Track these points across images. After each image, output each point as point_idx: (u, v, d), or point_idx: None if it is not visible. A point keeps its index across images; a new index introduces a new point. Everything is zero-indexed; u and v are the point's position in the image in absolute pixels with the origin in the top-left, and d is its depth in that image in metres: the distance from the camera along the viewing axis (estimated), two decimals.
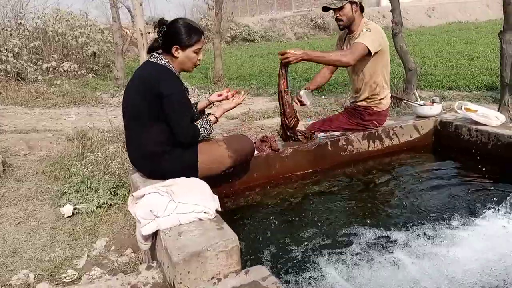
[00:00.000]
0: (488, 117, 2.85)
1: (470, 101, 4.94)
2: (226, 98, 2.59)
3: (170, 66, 2.19)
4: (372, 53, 2.77)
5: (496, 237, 1.99)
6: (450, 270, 1.78)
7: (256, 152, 2.64)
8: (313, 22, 21.01)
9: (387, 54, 2.94)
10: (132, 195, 1.87)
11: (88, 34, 11.16)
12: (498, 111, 4.47)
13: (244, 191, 2.64)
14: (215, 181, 2.47)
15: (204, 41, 2.29)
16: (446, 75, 8.00)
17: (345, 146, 2.96)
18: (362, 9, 2.93)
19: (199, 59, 2.26)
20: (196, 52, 2.21)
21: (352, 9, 2.86)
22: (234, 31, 18.94)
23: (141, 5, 5.26)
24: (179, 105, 2.13)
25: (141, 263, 2.26)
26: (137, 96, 2.16)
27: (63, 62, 10.02)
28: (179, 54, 2.17)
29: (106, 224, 2.95)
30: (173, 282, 1.60)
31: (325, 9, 2.94)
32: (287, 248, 2.05)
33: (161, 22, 2.21)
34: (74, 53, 10.87)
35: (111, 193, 3.22)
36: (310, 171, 2.87)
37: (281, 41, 19.38)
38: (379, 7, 22.16)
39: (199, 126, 2.24)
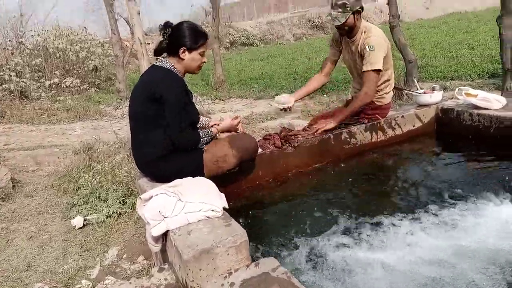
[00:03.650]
0: (489, 100, 2.85)
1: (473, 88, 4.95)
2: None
3: (175, 69, 2.25)
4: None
5: (505, 222, 1.99)
6: (461, 254, 1.78)
7: (260, 150, 2.67)
8: (310, 22, 21.07)
9: (390, 53, 2.95)
10: (140, 197, 1.89)
11: (89, 49, 11.27)
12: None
13: (250, 189, 2.66)
14: (221, 181, 2.49)
15: (209, 44, 2.36)
16: (447, 66, 7.98)
17: (348, 139, 2.97)
18: (362, 9, 2.88)
19: (204, 62, 2.33)
20: (201, 54, 2.28)
21: (354, 18, 2.83)
22: (233, 36, 19.03)
23: (139, 14, 5.31)
24: (177, 107, 2.16)
25: (153, 267, 2.28)
26: (141, 100, 2.20)
27: (65, 78, 10.12)
28: (186, 56, 2.23)
29: (116, 233, 2.98)
30: (186, 281, 1.62)
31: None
32: (297, 242, 2.06)
33: (166, 25, 2.26)
34: (76, 68, 10.96)
35: (120, 202, 3.24)
36: (315, 166, 2.88)
37: (280, 43, 19.44)
38: (376, 2, 22.16)
39: (201, 133, 2.31)
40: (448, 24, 15.98)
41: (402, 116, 3.14)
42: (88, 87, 10.38)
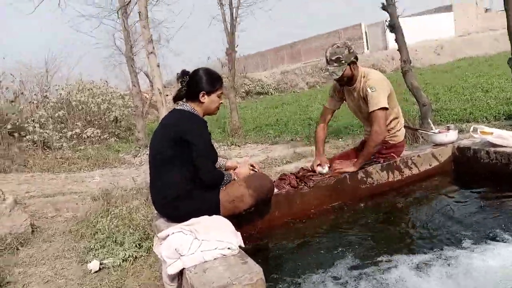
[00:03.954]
0: (504, 138, 2.83)
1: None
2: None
3: (195, 112, 2.36)
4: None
5: None
6: None
7: (276, 190, 2.68)
8: (323, 70, 21.56)
9: (393, 91, 2.97)
10: (157, 236, 1.91)
11: (110, 100, 11.72)
12: None
13: (267, 230, 2.64)
14: (238, 221, 2.50)
15: (224, 87, 2.50)
16: (462, 108, 7.97)
17: (364, 178, 2.96)
18: (356, 59, 2.92)
19: (221, 102, 2.46)
20: (219, 96, 2.42)
21: (351, 68, 2.88)
22: (248, 86, 19.57)
23: (158, 66, 5.57)
24: (205, 148, 2.26)
25: None
26: (162, 140, 2.29)
27: (86, 129, 10.46)
28: (205, 99, 2.36)
29: (132, 277, 2.95)
30: None
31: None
32: (313, 281, 2.01)
33: (183, 73, 2.41)
34: (97, 119, 11.35)
35: (136, 245, 3.24)
36: (331, 205, 2.86)
37: (294, 91, 19.85)
38: (387, 50, 22.68)
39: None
40: (460, 69, 16.13)
41: (419, 156, 3.13)
42: (108, 137, 10.68)
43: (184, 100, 2.40)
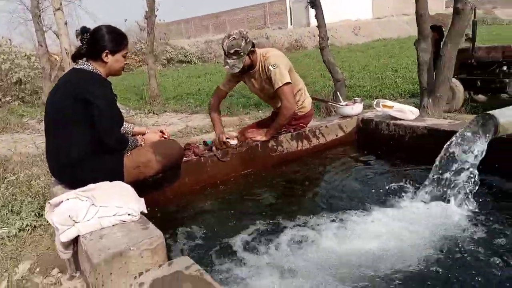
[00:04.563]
0: (404, 111, 3.06)
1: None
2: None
3: (98, 71, 2.19)
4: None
5: (411, 217, 2.13)
6: (370, 247, 1.88)
7: (193, 157, 2.66)
8: (223, 63, 21.48)
9: (292, 66, 3.00)
10: (49, 202, 1.77)
11: (13, 61, 10.58)
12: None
13: (176, 196, 2.60)
14: (145, 188, 2.42)
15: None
16: (373, 86, 8.49)
17: (275, 147, 3.03)
18: (253, 46, 2.87)
19: (126, 63, 2.33)
20: (124, 56, 2.27)
21: (250, 57, 2.84)
22: (170, 54, 18.87)
23: (66, 24, 5.12)
24: (108, 110, 2.11)
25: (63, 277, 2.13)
26: (62, 100, 2.10)
27: None
28: (109, 59, 2.19)
29: (30, 247, 2.75)
30: (95, 287, 1.53)
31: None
32: (220, 245, 2.04)
33: (83, 30, 2.21)
34: None
35: (35, 214, 3.01)
36: (242, 173, 2.90)
37: (218, 62, 19.57)
38: (309, 27, 23.18)
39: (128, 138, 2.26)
40: (375, 49, 17.09)
41: (326, 126, 3.27)
42: (11, 100, 9.70)
43: (85, 59, 2.21)
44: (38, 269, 2.53)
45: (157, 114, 8.02)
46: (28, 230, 2.89)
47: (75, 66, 2.21)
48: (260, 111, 7.15)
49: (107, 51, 2.16)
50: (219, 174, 2.80)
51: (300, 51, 20.60)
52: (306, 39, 21.99)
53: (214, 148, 2.87)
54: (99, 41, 2.16)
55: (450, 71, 4.74)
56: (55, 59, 13.24)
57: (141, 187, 2.35)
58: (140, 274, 1.40)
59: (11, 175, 3.57)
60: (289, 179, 2.89)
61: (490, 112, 2.15)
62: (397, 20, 25.63)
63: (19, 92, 10.45)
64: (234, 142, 2.95)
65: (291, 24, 25.24)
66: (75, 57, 2.24)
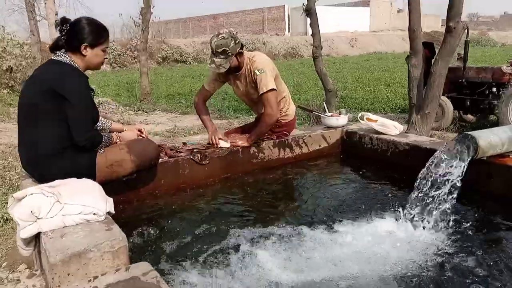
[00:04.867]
0: (386, 126, 3.05)
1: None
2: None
3: (76, 65, 2.13)
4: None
5: (379, 237, 2.09)
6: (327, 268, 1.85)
7: (166, 158, 2.61)
8: (244, 47, 21.50)
9: (278, 73, 2.96)
10: (12, 196, 1.71)
11: (4, 48, 10.44)
12: (407, 129, 4.82)
13: (150, 198, 2.55)
14: (119, 187, 2.37)
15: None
16: (365, 99, 8.52)
17: (256, 153, 2.99)
18: (242, 47, 2.84)
19: (105, 58, 2.26)
20: (104, 50, 2.20)
21: (238, 59, 2.80)
22: (166, 52, 18.82)
23: (56, 14, 5.05)
24: (82, 106, 2.06)
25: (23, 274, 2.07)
26: (36, 94, 2.04)
27: None
28: (88, 52, 2.13)
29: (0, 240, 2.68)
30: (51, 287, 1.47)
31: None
32: (187, 251, 1.99)
33: (63, 20, 2.15)
34: None
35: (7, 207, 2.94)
36: (221, 177, 2.85)
37: None
38: (307, 36, 23.28)
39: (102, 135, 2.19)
40: (369, 62, 17.23)
41: (310, 136, 3.24)
42: (0, 88, 9.56)
43: (63, 51, 2.15)
44: (5, 264, 2.46)
45: (146, 112, 7.94)
46: (0, 223, 2.81)
47: (52, 57, 2.15)
48: (251, 116, 7.12)
49: (85, 44, 2.10)
50: (196, 178, 2.75)
51: (296, 58, 20.68)
52: (302, 48, 22.08)
53: (195, 150, 2.82)
54: (78, 33, 2.09)
55: (440, 89, 4.75)
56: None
57: (115, 185, 2.31)
58: (95, 277, 1.35)
59: None
60: (267, 187, 2.85)
61: (471, 133, 2.14)
62: (393, 35, 25.88)
63: (9, 80, 10.31)
64: (226, 144, 2.90)
65: (288, 31, 25.34)
66: (53, 48, 2.17)
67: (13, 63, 10.33)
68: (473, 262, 1.83)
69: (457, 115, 6.42)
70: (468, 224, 2.15)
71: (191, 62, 19.34)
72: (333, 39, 22.24)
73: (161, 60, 18.47)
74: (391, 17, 29.33)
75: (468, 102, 5.96)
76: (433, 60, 4.88)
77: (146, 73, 8.81)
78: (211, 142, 2.92)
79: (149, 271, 1.35)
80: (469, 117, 6.45)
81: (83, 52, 2.12)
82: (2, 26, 11.88)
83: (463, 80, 5.95)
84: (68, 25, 2.11)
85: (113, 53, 17.59)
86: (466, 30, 5.07)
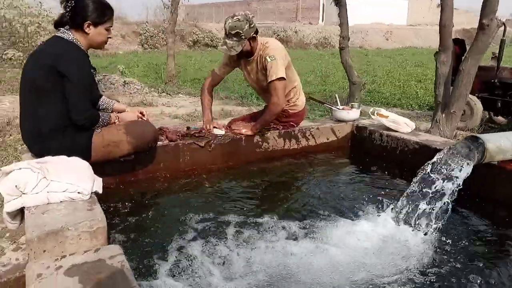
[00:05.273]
0: (397, 123, 2.93)
1: (410, 119, 5.07)
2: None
3: (78, 42, 2.13)
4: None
5: (373, 235, 2.03)
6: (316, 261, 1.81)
7: (166, 142, 2.60)
8: (275, 34, 21.27)
9: (290, 61, 2.90)
10: (0, 169, 1.74)
11: (39, 24, 10.71)
12: (430, 127, 4.64)
13: (147, 180, 2.55)
14: (116, 167, 2.38)
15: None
16: (393, 94, 8.26)
17: (260, 143, 2.94)
18: (257, 32, 2.78)
19: (109, 37, 2.24)
20: (107, 30, 2.19)
21: (250, 43, 2.75)
22: (197, 36, 18.85)
23: None
24: (82, 84, 2.06)
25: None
26: (38, 70, 2.06)
27: (8, 50, 9.55)
28: (91, 30, 2.13)
29: None
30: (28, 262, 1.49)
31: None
32: (173, 238, 1.97)
33: None
34: (22, 42, 10.37)
35: None
36: (222, 165, 2.82)
37: None
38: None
39: (100, 114, 2.20)
40: (403, 56, 16.67)
41: (318, 128, 3.16)
42: None
43: (67, 27, 2.15)
44: (7, 234, 2.53)
45: (170, 94, 7.99)
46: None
47: (56, 34, 2.16)
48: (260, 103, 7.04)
49: (89, 22, 2.10)
50: (197, 164, 2.73)
51: (328, 49, 20.29)
52: (335, 38, 21.61)
53: (197, 134, 2.80)
54: (82, 10, 2.09)
55: (467, 88, 4.53)
56: None
57: (112, 165, 2.32)
58: (63, 257, 1.35)
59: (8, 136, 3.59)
60: (269, 177, 2.80)
61: (479, 135, 2.01)
62: (431, 30, 24.93)
63: None
64: (221, 132, 2.87)
65: (322, 21, 24.88)
66: (57, 25, 2.17)
67: (47, 39, 10.60)
68: (472, 265, 1.78)
69: (487, 116, 6.14)
70: (460, 231, 2.06)
71: None
72: (367, 31, 21.66)
73: (192, 44, 18.53)
74: (430, 11, 28.23)
75: (500, 103, 5.68)
76: (463, 58, 4.66)
77: (172, 56, 8.84)
78: (204, 129, 2.88)
79: (117, 254, 1.34)
80: (500, 118, 6.16)
81: (86, 30, 2.11)
82: (40, 2, 12.19)
83: (496, 80, 5.66)
84: (73, 1, 2.10)
85: (145, 34, 17.77)
86: (504, 28, 4.81)
